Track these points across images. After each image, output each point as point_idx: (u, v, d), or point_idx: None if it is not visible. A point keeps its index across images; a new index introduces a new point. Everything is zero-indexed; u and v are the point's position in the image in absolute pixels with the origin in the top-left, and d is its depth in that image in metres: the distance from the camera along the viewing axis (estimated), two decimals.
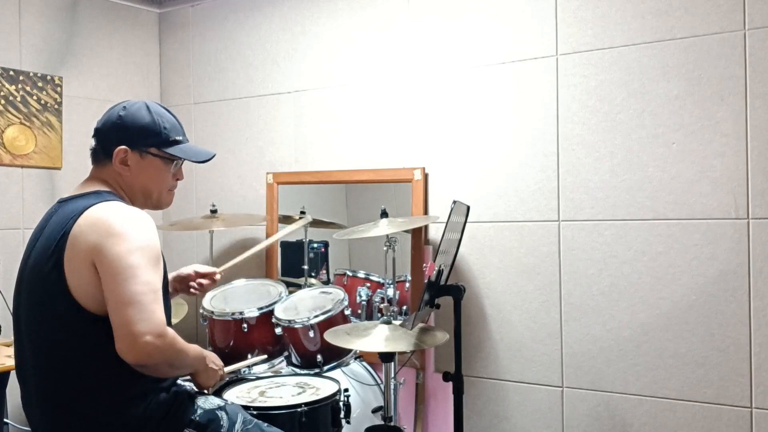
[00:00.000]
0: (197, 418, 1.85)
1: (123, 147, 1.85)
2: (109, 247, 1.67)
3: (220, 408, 1.92)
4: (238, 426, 1.90)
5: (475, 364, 2.93)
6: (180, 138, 1.94)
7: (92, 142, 1.92)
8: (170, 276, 2.16)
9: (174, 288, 2.24)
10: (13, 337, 1.92)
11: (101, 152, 1.89)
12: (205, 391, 1.99)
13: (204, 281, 2.25)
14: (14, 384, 1.92)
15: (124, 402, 1.74)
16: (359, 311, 3.04)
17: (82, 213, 1.73)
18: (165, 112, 1.94)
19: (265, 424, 2.00)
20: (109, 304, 1.66)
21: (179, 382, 1.93)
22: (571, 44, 2.71)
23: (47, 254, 1.73)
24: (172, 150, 1.91)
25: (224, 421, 1.88)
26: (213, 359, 1.95)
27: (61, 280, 1.70)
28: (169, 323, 1.86)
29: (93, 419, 1.73)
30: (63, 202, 1.85)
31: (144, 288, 1.65)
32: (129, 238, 1.69)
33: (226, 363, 2.65)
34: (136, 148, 1.87)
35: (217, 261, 3.59)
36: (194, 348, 1.84)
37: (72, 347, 1.72)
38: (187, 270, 2.26)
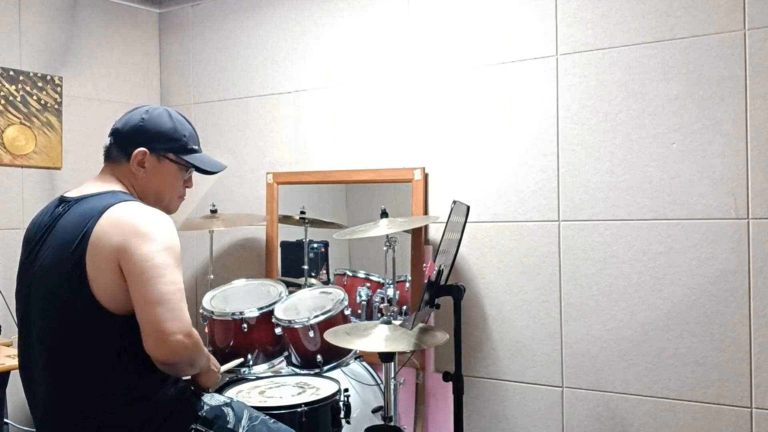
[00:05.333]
0: (204, 414, 1.86)
1: (142, 149, 1.88)
2: (135, 248, 1.68)
3: (227, 404, 1.94)
4: (244, 422, 1.91)
5: (475, 364, 2.93)
6: (196, 147, 1.99)
7: (108, 141, 1.94)
8: None
9: None
10: (17, 338, 1.90)
11: (118, 152, 1.91)
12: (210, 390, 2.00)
13: None
14: (14, 384, 1.92)
15: (132, 401, 1.75)
16: (359, 311, 3.04)
17: (102, 213, 1.74)
18: (184, 121, 1.98)
19: (272, 420, 2.01)
20: (136, 303, 1.67)
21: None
22: (571, 44, 2.71)
23: (66, 255, 1.72)
24: (188, 158, 1.95)
25: (230, 417, 1.89)
26: (213, 361, 1.99)
27: (83, 280, 1.70)
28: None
29: (101, 420, 1.73)
30: (76, 200, 1.82)
31: (172, 287, 1.67)
32: (155, 239, 1.71)
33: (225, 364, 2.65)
34: (154, 152, 1.90)
35: (216, 261, 3.60)
36: (205, 350, 1.87)
37: (88, 347, 1.72)
38: None
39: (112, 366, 1.73)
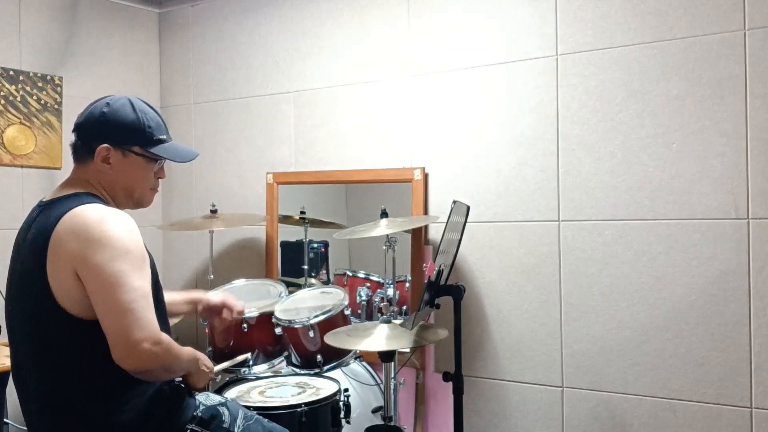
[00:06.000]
0: (200, 414, 1.84)
1: (105, 145, 1.80)
2: (90, 256, 1.63)
3: (222, 404, 1.92)
4: (239, 421, 1.90)
5: (475, 364, 2.93)
6: (164, 137, 1.88)
7: (72, 137, 1.87)
8: (201, 301, 2.17)
9: (192, 311, 2.20)
10: (8, 342, 1.89)
11: (82, 149, 1.84)
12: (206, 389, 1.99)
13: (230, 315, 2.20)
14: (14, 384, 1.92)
15: (123, 402, 1.73)
16: (359, 311, 3.04)
17: (60, 218, 1.68)
18: (149, 110, 1.88)
19: (266, 420, 2.00)
20: (99, 313, 1.63)
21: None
22: (571, 44, 2.71)
23: (32, 261, 1.70)
24: (155, 149, 1.86)
25: (226, 417, 1.88)
26: (204, 361, 1.93)
27: (46, 286, 1.66)
28: (167, 324, 1.86)
29: (94, 421, 1.72)
30: (45, 205, 1.79)
31: (134, 295, 1.61)
32: (110, 245, 1.64)
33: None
34: (119, 147, 1.81)
35: (216, 261, 3.60)
36: (187, 351, 1.82)
37: (65, 351, 1.70)
38: (215, 300, 2.19)
39: (95, 367, 1.69)
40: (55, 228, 1.67)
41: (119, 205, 1.85)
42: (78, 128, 1.86)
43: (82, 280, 1.64)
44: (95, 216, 1.69)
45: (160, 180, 1.96)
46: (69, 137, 3.41)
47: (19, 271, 1.77)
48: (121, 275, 1.62)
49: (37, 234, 1.72)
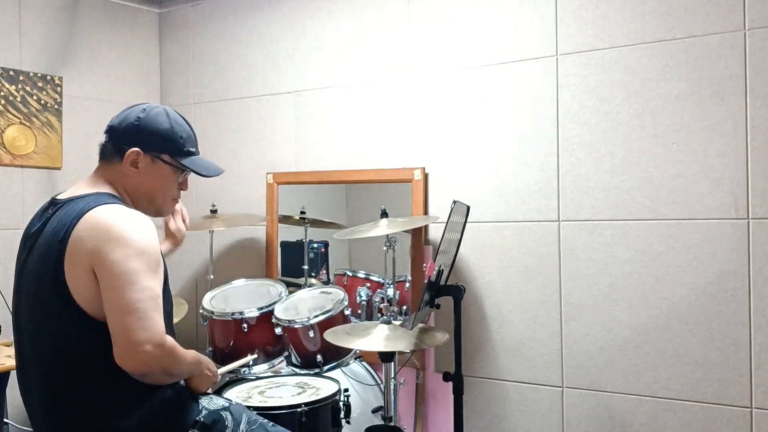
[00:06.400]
0: (202, 419, 1.84)
1: (136, 149, 1.84)
2: (107, 253, 1.64)
3: (225, 408, 1.90)
4: (242, 426, 1.89)
5: (475, 364, 2.93)
6: (193, 149, 1.94)
7: (103, 138, 1.91)
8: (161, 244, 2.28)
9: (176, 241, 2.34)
10: (13, 341, 1.89)
11: (112, 150, 1.87)
12: (208, 391, 1.98)
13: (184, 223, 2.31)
14: (14, 384, 1.92)
15: (126, 405, 1.73)
16: (359, 311, 3.04)
17: (81, 217, 1.70)
18: (183, 122, 1.93)
19: (270, 423, 1.99)
20: (107, 310, 1.64)
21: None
22: (571, 44, 2.71)
23: (48, 259, 1.70)
24: (184, 161, 1.90)
25: (229, 422, 1.87)
26: (208, 365, 1.93)
27: (63, 285, 1.67)
28: (171, 326, 1.86)
29: (96, 425, 1.72)
30: (63, 202, 1.80)
31: (143, 295, 1.62)
32: (127, 243, 1.66)
33: (226, 364, 2.65)
34: (149, 152, 1.86)
35: (216, 261, 3.60)
36: (191, 354, 1.83)
37: (74, 352, 1.70)
38: (172, 228, 2.30)
39: (102, 369, 1.69)
40: (75, 226, 1.69)
41: (140, 210, 1.87)
42: (110, 130, 1.90)
43: (98, 277, 1.66)
44: (115, 216, 1.72)
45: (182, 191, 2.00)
46: (69, 137, 3.46)
47: (31, 269, 1.76)
48: (134, 273, 1.64)
49: (55, 232, 1.72)
